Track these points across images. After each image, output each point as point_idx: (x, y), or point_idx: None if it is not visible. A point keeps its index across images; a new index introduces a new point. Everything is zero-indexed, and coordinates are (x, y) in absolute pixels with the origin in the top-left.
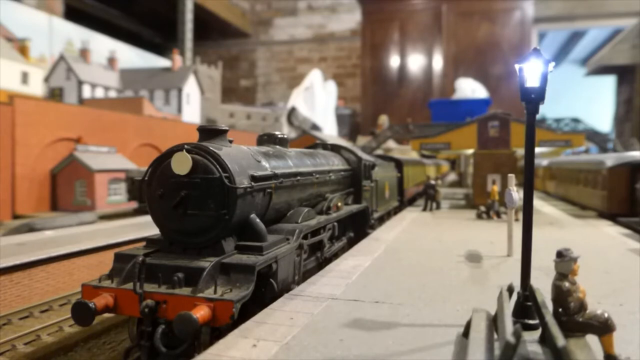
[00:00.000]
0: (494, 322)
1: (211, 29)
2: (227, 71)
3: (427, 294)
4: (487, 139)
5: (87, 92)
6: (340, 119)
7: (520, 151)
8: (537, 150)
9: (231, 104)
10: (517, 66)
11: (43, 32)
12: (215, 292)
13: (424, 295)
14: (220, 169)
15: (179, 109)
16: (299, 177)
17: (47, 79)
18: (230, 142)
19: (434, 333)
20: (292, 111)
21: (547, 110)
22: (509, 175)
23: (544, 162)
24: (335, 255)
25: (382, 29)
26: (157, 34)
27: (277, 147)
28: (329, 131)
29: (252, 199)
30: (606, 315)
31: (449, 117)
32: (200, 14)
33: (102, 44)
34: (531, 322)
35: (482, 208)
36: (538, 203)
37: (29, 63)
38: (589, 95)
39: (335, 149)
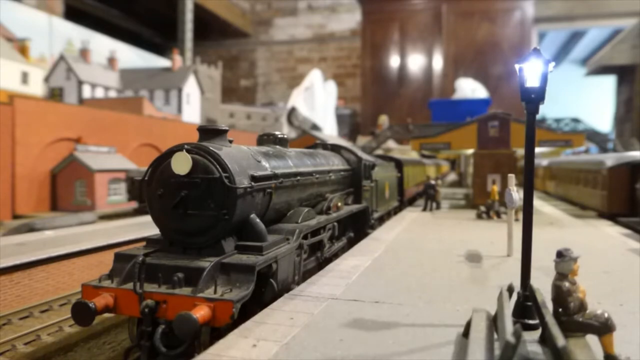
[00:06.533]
0: (494, 322)
1: (211, 29)
2: (227, 71)
3: (427, 294)
4: (487, 139)
5: (87, 92)
6: (340, 119)
7: (520, 151)
8: (537, 150)
9: (231, 104)
10: (517, 66)
11: (43, 32)
12: (215, 292)
13: (424, 295)
14: (220, 169)
15: (179, 109)
16: (299, 177)
17: (47, 79)
18: (230, 142)
19: (434, 333)
20: (292, 111)
21: (547, 110)
22: (509, 175)
23: (544, 162)
24: (335, 255)
25: (382, 29)
26: (157, 34)
27: (277, 147)
28: (329, 131)
29: (252, 199)
30: (606, 315)
31: (449, 117)
32: (200, 14)
33: (102, 44)
34: (531, 322)
35: (482, 208)
36: (538, 203)
37: (29, 63)
38: (589, 95)
39: (335, 149)
